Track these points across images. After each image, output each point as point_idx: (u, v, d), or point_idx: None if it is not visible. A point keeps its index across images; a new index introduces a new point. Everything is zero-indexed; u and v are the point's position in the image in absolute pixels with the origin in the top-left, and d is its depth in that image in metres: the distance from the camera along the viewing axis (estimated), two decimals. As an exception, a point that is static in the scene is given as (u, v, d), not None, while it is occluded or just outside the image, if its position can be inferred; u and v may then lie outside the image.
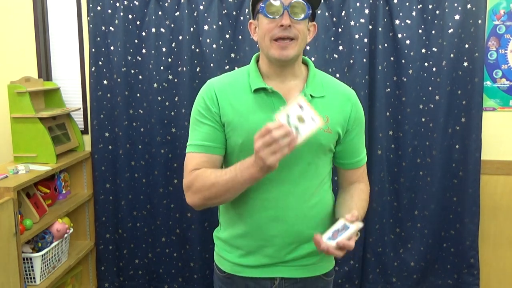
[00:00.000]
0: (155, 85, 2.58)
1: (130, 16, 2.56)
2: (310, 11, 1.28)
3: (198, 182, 1.28)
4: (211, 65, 2.53)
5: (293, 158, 1.29)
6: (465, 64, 2.45)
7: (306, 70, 1.39)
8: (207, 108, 1.33)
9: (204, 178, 1.27)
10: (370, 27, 2.46)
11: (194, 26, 2.53)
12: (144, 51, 2.59)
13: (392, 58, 2.51)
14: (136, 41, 2.59)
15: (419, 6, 2.44)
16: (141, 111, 2.64)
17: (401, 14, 2.45)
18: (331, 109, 1.34)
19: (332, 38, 2.50)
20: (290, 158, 1.27)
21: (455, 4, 2.40)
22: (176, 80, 2.59)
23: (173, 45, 2.57)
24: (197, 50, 2.55)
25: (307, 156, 1.32)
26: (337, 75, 2.49)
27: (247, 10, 2.49)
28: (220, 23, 2.51)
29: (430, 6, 2.44)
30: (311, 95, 1.32)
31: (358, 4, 2.43)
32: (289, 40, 1.27)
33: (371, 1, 2.43)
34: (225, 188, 1.24)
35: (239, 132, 1.31)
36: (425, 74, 2.49)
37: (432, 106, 2.51)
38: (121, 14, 2.54)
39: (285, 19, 1.25)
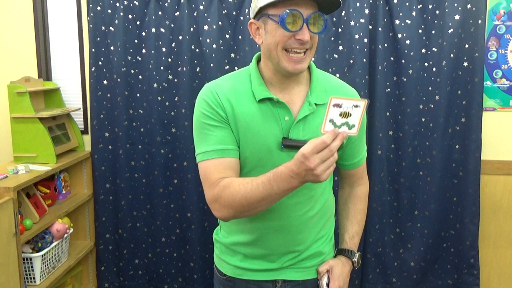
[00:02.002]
0: (155, 85, 2.58)
1: (130, 16, 2.56)
2: (327, 23, 1.23)
3: (227, 195, 1.20)
4: (211, 65, 2.53)
5: None
6: (465, 64, 2.45)
7: (308, 72, 1.35)
8: (214, 111, 1.25)
9: (233, 191, 1.19)
10: (370, 27, 2.46)
11: (194, 26, 2.53)
12: (144, 51, 2.59)
13: (392, 58, 2.51)
14: (136, 41, 2.59)
15: (419, 6, 2.44)
16: (141, 111, 2.64)
17: (401, 14, 2.45)
18: None
19: (332, 38, 2.50)
20: None
21: (455, 4, 2.40)
22: (176, 80, 2.59)
23: (173, 45, 2.57)
24: (197, 50, 2.55)
25: None
26: (337, 75, 2.48)
27: (247, 10, 2.49)
28: (220, 23, 2.51)
29: (430, 6, 2.44)
30: (315, 104, 1.27)
31: (358, 4, 2.43)
32: (303, 53, 1.21)
33: (371, 1, 2.43)
34: (259, 202, 1.17)
35: (245, 145, 1.26)
36: (425, 74, 2.49)
37: (432, 106, 2.50)
38: (121, 14, 2.54)
39: (305, 34, 1.18)
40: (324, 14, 1.22)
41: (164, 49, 2.57)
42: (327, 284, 1.37)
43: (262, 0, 1.20)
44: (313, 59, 2.46)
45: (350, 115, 1.08)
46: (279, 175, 1.12)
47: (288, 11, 1.17)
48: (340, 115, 1.08)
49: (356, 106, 1.08)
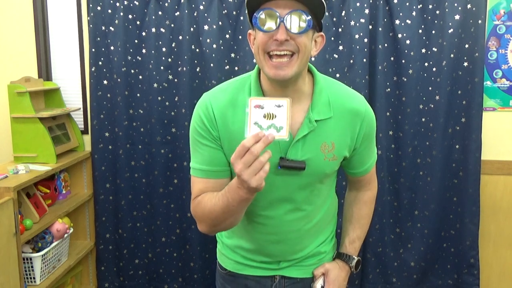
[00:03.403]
0: (155, 85, 2.58)
1: (130, 16, 2.56)
2: (311, 23, 1.11)
3: (199, 210, 1.23)
4: (211, 65, 2.53)
5: (297, 189, 1.26)
6: (465, 64, 2.45)
7: (311, 82, 1.26)
8: (206, 129, 1.22)
9: (203, 207, 1.21)
10: (370, 27, 2.46)
11: (194, 26, 2.53)
12: (144, 51, 2.59)
13: (392, 58, 2.50)
14: (136, 41, 2.59)
15: (419, 6, 2.44)
16: (141, 111, 2.64)
17: (401, 14, 2.45)
18: (338, 131, 1.24)
19: (332, 38, 2.50)
20: (293, 187, 1.26)
21: (455, 4, 2.40)
22: (176, 80, 2.59)
23: (173, 45, 2.57)
24: (197, 50, 2.55)
25: (310, 185, 1.27)
26: (337, 75, 2.49)
27: (247, 10, 2.48)
28: (220, 23, 2.51)
29: (430, 6, 2.44)
30: (316, 121, 1.20)
31: (358, 4, 2.43)
32: (287, 57, 1.12)
33: (371, 1, 2.43)
34: (223, 214, 1.16)
35: None
36: (425, 74, 2.49)
37: (432, 106, 2.50)
38: (121, 14, 2.54)
39: (280, 33, 1.09)
40: (308, 13, 1.11)
41: (164, 49, 2.57)
42: (322, 287, 1.37)
43: (247, 3, 1.17)
44: (313, 59, 2.46)
45: (275, 116, 1.04)
46: (230, 187, 1.11)
47: (261, 10, 1.12)
48: (264, 116, 1.04)
49: (279, 106, 1.04)
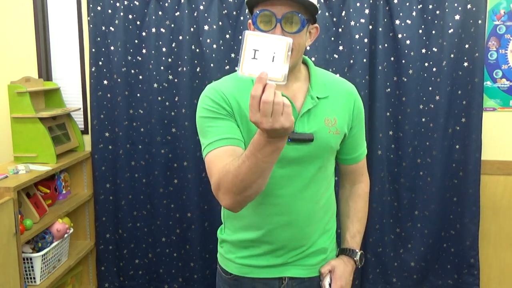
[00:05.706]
0: (155, 85, 2.58)
1: (130, 16, 2.56)
2: (305, 23, 1.20)
3: (224, 180, 1.13)
4: (211, 65, 2.53)
5: (307, 163, 1.30)
6: (465, 64, 2.45)
7: (306, 69, 1.37)
8: (218, 105, 1.25)
9: (226, 173, 1.12)
10: (370, 27, 2.46)
11: (194, 26, 2.53)
12: (144, 51, 2.59)
13: (392, 58, 2.51)
14: (136, 41, 2.59)
15: (419, 6, 2.44)
16: (141, 111, 2.64)
17: (401, 14, 2.45)
18: (337, 109, 1.33)
19: (332, 38, 2.50)
20: (303, 164, 1.29)
21: (455, 4, 2.40)
22: (176, 80, 2.59)
23: (173, 45, 2.57)
24: (197, 50, 2.56)
25: (319, 160, 1.32)
26: (337, 75, 2.48)
27: (247, 10, 2.48)
28: (220, 23, 2.51)
29: (430, 6, 2.44)
30: (317, 97, 1.30)
31: (358, 4, 2.43)
32: None
33: (371, 1, 2.43)
34: (250, 176, 1.08)
35: (252, 136, 1.20)
36: (425, 74, 2.49)
37: (432, 106, 2.51)
38: (121, 14, 2.54)
39: (277, 34, 1.16)
40: (302, 14, 1.18)
41: (164, 49, 2.57)
42: (330, 284, 1.37)
43: (247, 2, 1.26)
44: (313, 59, 2.47)
45: (273, 56, 0.96)
46: (257, 143, 1.04)
47: (258, 12, 1.20)
48: (260, 54, 0.96)
49: (278, 46, 0.96)
